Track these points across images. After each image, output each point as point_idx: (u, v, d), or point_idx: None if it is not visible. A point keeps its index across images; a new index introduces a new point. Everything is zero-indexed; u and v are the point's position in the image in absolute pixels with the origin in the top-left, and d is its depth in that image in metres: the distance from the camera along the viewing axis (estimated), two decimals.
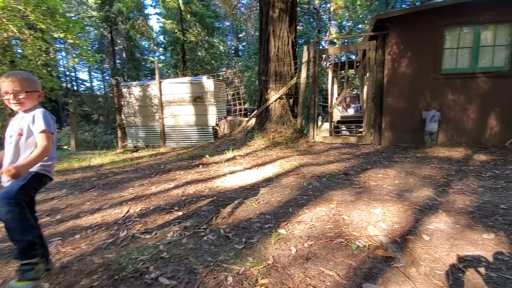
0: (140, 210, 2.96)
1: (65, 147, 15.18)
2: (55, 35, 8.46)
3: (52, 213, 3.02)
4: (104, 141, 15.50)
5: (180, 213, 2.81)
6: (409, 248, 1.98)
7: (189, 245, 2.16)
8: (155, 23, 50.58)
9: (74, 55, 10.53)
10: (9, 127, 1.77)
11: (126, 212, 2.91)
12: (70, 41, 8.26)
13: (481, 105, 5.43)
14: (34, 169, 1.71)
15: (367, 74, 6.89)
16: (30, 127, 1.69)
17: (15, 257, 1.70)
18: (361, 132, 8.42)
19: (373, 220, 2.44)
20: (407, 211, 2.60)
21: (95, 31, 22.34)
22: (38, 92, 1.78)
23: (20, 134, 1.69)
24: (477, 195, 2.93)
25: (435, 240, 2.07)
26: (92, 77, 34.50)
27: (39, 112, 1.72)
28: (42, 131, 1.66)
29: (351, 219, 2.48)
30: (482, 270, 1.70)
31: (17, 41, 8.43)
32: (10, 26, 7.24)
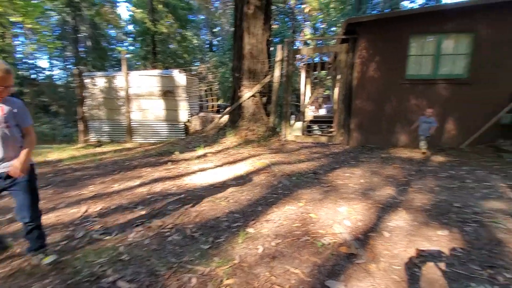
0: (100, 209, 2.77)
1: None
2: (12, 19, 7.67)
3: (2, 212, 2.73)
4: (64, 135, 14.41)
5: (144, 212, 2.67)
6: (370, 244, 2.05)
7: (152, 246, 2.06)
8: (124, 11, 48.00)
9: (33, 40, 9.62)
10: None
11: (84, 212, 2.71)
12: (29, 25, 7.54)
13: (441, 110, 5.83)
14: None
15: (338, 76, 7.10)
16: (16, 119, 1.72)
17: (41, 244, 1.92)
18: (331, 132, 8.68)
19: (339, 218, 2.50)
20: (371, 209, 2.71)
21: (57, 16, 20.64)
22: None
23: (9, 126, 1.71)
24: (434, 194, 3.13)
25: (395, 236, 2.17)
26: (53, 65, 31.87)
27: (21, 103, 1.76)
28: (31, 125, 1.80)
29: (318, 217, 2.52)
30: (437, 265, 1.80)
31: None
32: None
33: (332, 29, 22.10)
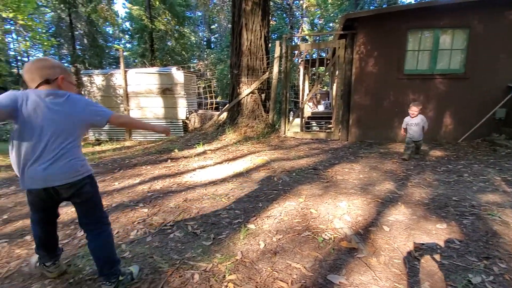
0: None
1: None
2: (4, 15, 7.58)
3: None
4: None
5: (146, 210, 2.68)
6: (371, 239, 2.07)
7: (154, 243, 2.07)
8: (120, 8, 47.57)
9: (27, 38, 9.52)
10: None
11: None
12: (21, 22, 7.46)
13: (438, 105, 5.85)
14: None
15: (337, 72, 7.09)
16: None
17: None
18: (330, 128, 8.70)
19: (339, 213, 2.52)
20: (370, 203, 2.73)
21: (52, 13, 20.43)
22: None
23: None
24: (432, 188, 3.16)
25: (394, 230, 2.20)
26: None
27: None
28: None
29: (318, 212, 2.54)
30: (435, 257, 1.83)
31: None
32: None
33: (330, 24, 22.03)
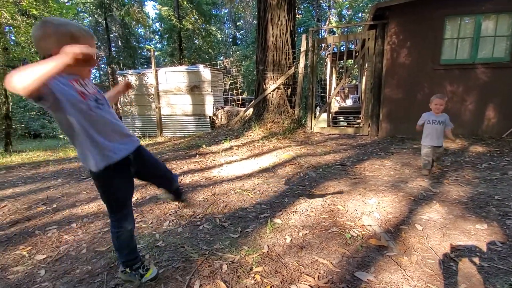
0: (136, 199, 2.96)
1: (62, 136, 15.07)
2: None
3: (48, 202, 3.02)
4: None
5: (176, 203, 2.81)
6: (402, 237, 2.00)
7: (185, 234, 2.17)
8: (151, 9, 49.45)
9: None
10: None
11: None
12: None
13: (479, 97, 5.41)
14: None
15: (366, 64, 6.82)
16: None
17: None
18: (358, 123, 8.42)
19: (368, 210, 2.46)
20: (402, 201, 2.62)
21: (89, 18, 21.82)
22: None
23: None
24: (472, 186, 2.95)
25: (428, 230, 2.10)
26: None
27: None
28: None
29: (346, 209, 2.50)
30: (474, 259, 1.73)
31: (10, 27, 8.22)
32: (3, 12, 7.05)
33: (359, 15, 21.18)
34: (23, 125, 14.17)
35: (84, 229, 2.35)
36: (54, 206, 2.91)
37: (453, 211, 2.39)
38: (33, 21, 8.18)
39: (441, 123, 3.32)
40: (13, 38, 8.85)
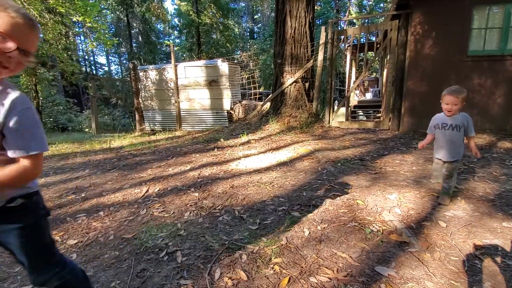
0: (158, 190, 3.08)
1: (87, 129, 15.77)
2: (74, 19, 8.58)
3: (77, 191, 3.20)
4: (122, 125, 15.95)
5: (196, 194, 2.90)
6: (424, 234, 1.96)
7: (205, 224, 2.24)
8: (169, 5, 50.08)
9: (92, 39, 10.66)
10: None
11: (146, 192, 3.03)
12: (89, 24, 8.35)
13: (509, 90, 5.10)
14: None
15: (388, 56, 6.60)
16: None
17: None
18: (378, 117, 8.19)
19: (388, 205, 2.42)
20: (424, 197, 2.56)
21: (112, 15, 22.44)
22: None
23: None
24: (499, 183, 2.82)
25: (452, 227, 2.04)
26: (110, 61, 35.06)
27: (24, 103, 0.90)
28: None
29: (366, 204, 2.47)
30: (499, 258, 1.67)
31: (38, 25, 8.62)
32: (31, 10, 7.40)
33: (380, 5, 20.38)
34: (51, 119, 14.93)
35: (111, 217, 2.48)
36: (83, 195, 3.08)
37: (479, 208, 2.31)
38: (59, 19, 8.54)
39: (458, 128, 2.27)
40: (41, 35, 9.29)
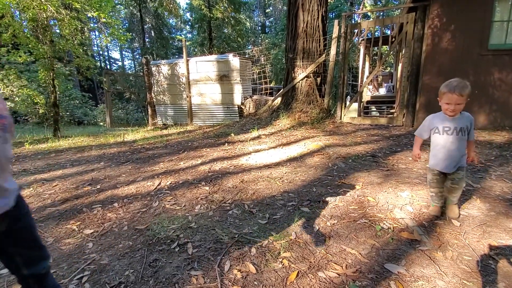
0: (170, 183, 3.14)
1: (101, 123, 16.17)
2: (89, 14, 8.74)
3: (93, 183, 3.30)
4: (135, 119, 16.26)
5: (207, 188, 2.94)
6: (436, 232, 1.93)
7: (216, 218, 2.28)
8: (182, 0, 50.21)
9: (106, 34, 10.85)
10: None
11: (158, 185, 3.10)
12: (103, 20, 8.49)
13: None
14: None
15: (403, 51, 6.42)
16: None
17: None
18: (392, 113, 8.02)
19: (400, 203, 2.38)
20: None
21: (125, 10, 22.72)
22: None
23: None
24: None
25: (466, 226, 1.99)
26: (124, 56, 35.63)
27: None
28: None
29: (377, 201, 2.44)
30: None
31: (55, 21, 8.83)
32: (48, 6, 7.59)
33: None
34: (68, 113, 15.37)
35: (125, 208, 2.55)
36: (98, 186, 3.18)
37: (495, 207, 2.24)
38: (75, 14, 8.72)
39: (462, 132, 1.95)
40: (57, 30, 9.51)
